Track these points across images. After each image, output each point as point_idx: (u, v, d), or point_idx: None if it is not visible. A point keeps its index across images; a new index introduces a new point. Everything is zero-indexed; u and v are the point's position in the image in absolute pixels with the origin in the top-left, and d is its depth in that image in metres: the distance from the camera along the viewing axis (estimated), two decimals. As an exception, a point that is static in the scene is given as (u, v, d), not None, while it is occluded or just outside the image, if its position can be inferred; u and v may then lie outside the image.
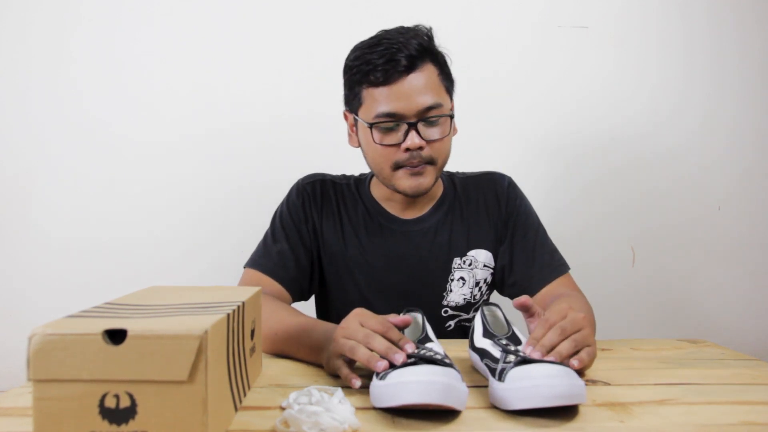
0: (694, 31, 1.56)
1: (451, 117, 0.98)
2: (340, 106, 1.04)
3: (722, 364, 0.84)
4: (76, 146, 1.50)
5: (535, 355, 0.64)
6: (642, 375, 0.76)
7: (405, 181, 0.97)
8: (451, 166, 1.06)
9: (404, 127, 0.93)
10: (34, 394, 0.47)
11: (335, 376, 0.73)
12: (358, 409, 0.61)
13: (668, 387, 0.71)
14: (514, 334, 0.72)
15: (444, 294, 1.05)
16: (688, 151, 1.57)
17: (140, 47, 1.51)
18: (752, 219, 1.58)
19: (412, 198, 1.03)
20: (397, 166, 0.96)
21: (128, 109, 1.51)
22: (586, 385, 0.66)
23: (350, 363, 0.70)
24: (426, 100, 0.92)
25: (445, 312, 1.06)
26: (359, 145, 1.02)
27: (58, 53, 1.49)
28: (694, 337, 1.10)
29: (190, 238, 1.53)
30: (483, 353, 0.71)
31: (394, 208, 1.07)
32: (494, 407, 0.62)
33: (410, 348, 0.64)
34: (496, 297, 1.15)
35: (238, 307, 0.60)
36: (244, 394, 0.64)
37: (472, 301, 1.07)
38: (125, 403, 0.47)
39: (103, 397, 0.47)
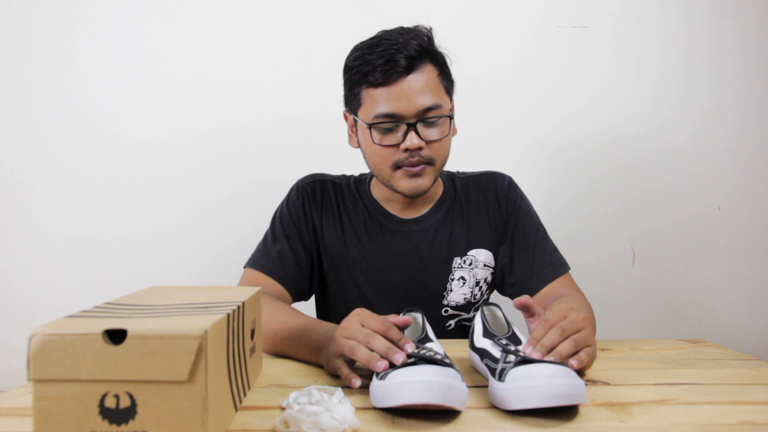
0: (694, 31, 1.56)
1: (451, 117, 0.98)
2: (340, 106, 1.04)
3: (722, 364, 0.84)
4: (76, 146, 1.50)
5: (535, 355, 0.64)
6: (642, 375, 0.76)
7: (404, 181, 0.97)
8: (451, 166, 1.06)
9: (403, 127, 0.93)
10: (34, 394, 0.47)
11: (335, 376, 0.73)
12: (358, 409, 0.61)
13: (668, 387, 0.71)
14: (514, 334, 0.72)
15: (444, 293, 1.05)
16: (688, 151, 1.57)
17: (141, 47, 1.51)
18: (752, 219, 1.58)
19: (411, 198, 1.03)
20: (396, 167, 0.96)
21: (128, 109, 1.51)
22: (586, 385, 0.66)
23: (350, 363, 0.70)
24: (425, 100, 0.92)
25: (446, 311, 1.06)
26: (359, 146, 1.02)
27: (59, 53, 1.49)
28: (693, 337, 1.10)
29: (190, 238, 1.53)
30: (483, 353, 0.71)
31: (394, 208, 1.07)
32: (494, 407, 0.62)
33: (410, 348, 0.64)
34: (496, 297, 1.15)
35: (238, 307, 0.60)
36: (244, 394, 0.64)
37: (473, 300, 1.07)
38: (125, 403, 0.47)
39: (103, 397, 0.47)
